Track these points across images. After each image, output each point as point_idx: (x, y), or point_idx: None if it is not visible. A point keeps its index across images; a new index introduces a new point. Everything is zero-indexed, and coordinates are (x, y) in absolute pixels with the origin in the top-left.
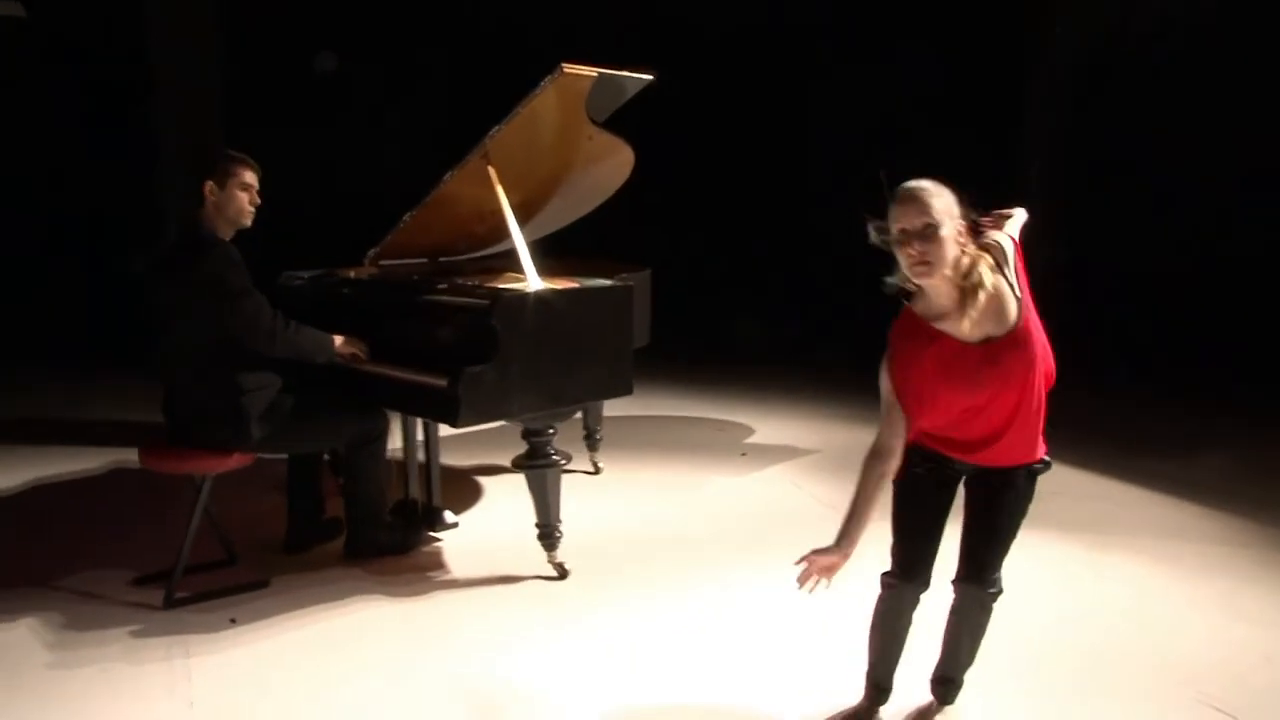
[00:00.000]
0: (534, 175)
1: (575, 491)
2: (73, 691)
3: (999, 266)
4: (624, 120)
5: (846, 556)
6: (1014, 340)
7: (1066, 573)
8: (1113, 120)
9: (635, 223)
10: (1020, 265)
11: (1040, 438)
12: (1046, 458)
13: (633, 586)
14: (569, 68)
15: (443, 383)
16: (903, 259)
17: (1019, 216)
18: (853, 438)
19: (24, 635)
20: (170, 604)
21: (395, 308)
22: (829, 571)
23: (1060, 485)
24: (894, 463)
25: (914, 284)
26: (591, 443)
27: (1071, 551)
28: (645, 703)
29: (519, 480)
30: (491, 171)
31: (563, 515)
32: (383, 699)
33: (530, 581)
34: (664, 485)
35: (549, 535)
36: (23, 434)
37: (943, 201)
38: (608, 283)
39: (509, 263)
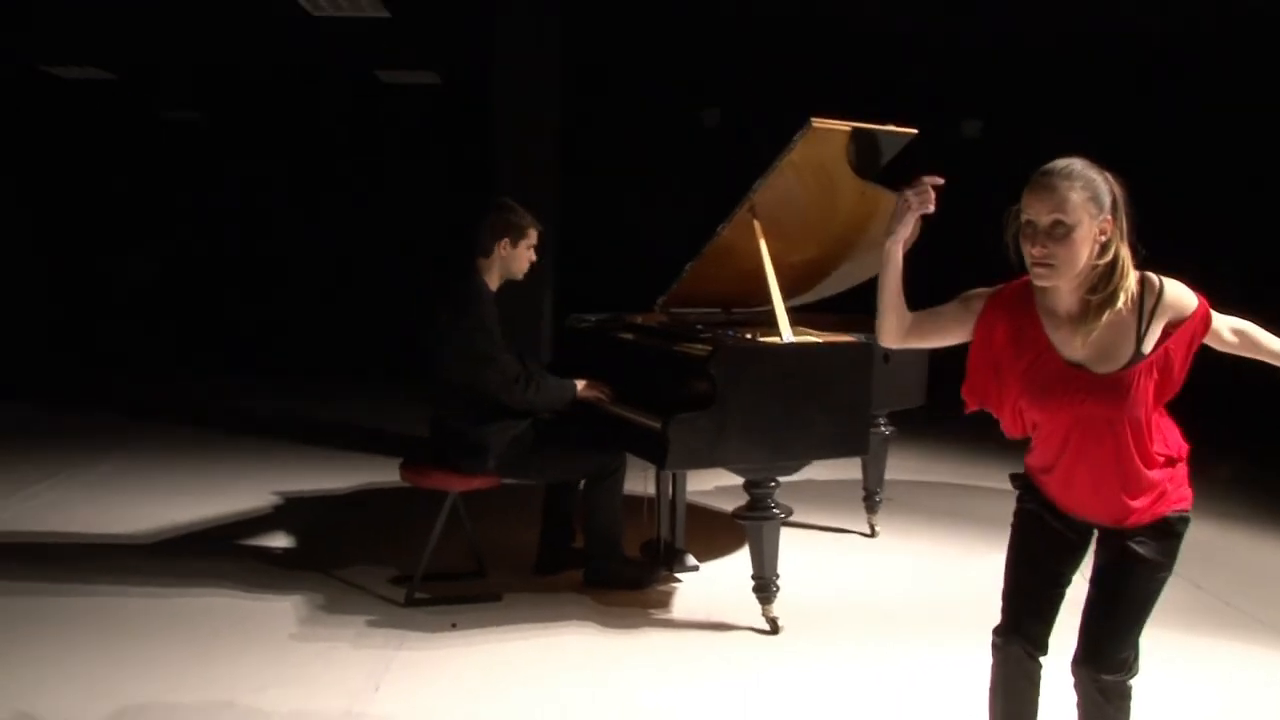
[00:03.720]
0: (819, 231)
1: (842, 552)
2: (294, 658)
3: (1139, 300)
4: None
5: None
6: (1105, 385)
7: None
8: None
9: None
10: (1194, 335)
11: (1169, 494)
12: (1181, 509)
13: (848, 652)
14: (819, 122)
15: (658, 425)
16: (1025, 252)
17: (1236, 322)
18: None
19: (285, 607)
20: (409, 602)
21: (639, 353)
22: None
23: None
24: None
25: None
26: (870, 504)
27: None
28: None
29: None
30: (756, 225)
31: (821, 574)
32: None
33: (742, 633)
34: (938, 555)
35: (765, 588)
36: (377, 444)
37: (1086, 193)
38: (847, 338)
39: (800, 316)
